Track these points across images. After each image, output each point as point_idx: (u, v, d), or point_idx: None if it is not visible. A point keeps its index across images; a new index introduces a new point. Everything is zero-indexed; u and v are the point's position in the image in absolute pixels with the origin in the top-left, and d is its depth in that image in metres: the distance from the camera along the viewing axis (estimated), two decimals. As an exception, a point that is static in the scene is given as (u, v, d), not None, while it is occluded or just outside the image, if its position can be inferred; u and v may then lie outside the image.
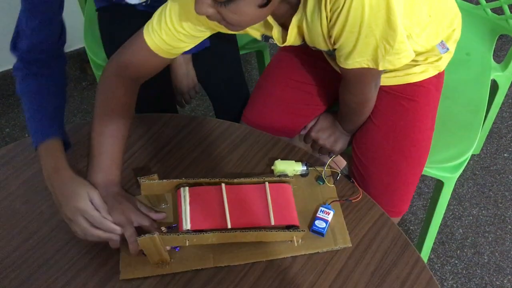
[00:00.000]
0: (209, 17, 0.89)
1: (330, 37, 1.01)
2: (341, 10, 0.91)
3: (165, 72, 1.49)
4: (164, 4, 1.07)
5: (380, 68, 1.03)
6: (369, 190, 1.22)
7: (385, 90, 1.22)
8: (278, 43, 1.10)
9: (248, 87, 1.59)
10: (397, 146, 1.23)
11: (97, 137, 1.05)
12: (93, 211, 0.98)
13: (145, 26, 1.09)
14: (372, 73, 1.08)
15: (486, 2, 1.62)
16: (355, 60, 1.02)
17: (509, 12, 1.57)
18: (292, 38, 1.06)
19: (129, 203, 1.01)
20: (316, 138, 1.34)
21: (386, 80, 1.19)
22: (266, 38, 1.13)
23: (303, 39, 1.08)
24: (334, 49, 1.05)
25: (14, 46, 1.12)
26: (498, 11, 1.61)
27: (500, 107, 1.79)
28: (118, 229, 0.98)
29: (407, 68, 1.22)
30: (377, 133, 1.25)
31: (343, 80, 1.16)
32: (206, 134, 1.21)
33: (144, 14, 1.44)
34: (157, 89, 1.50)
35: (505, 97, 1.74)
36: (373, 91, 1.17)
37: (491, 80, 1.58)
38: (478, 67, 1.56)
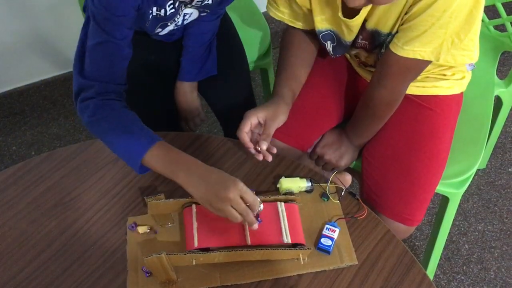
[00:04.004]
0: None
1: (406, 13, 1.03)
2: None
3: (170, 92, 1.50)
4: None
5: (440, 61, 1.06)
6: (386, 198, 1.23)
7: (408, 98, 1.23)
8: (344, 37, 1.15)
9: None
10: (417, 152, 1.25)
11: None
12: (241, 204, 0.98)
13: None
14: (421, 67, 1.11)
15: (489, 20, 1.63)
16: (415, 48, 1.04)
17: (511, 30, 1.58)
18: (361, 18, 1.10)
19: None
20: (321, 154, 1.35)
21: (413, 89, 1.21)
22: (325, 37, 1.21)
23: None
24: (396, 32, 1.08)
25: (81, 72, 1.10)
26: (501, 28, 1.62)
27: (504, 122, 1.79)
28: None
29: (435, 81, 1.27)
30: (397, 139, 1.27)
31: (380, 74, 1.16)
32: (211, 153, 1.22)
33: (157, 43, 1.44)
34: (161, 109, 1.51)
35: (509, 112, 1.74)
36: (404, 90, 1.19)
37: (495, 96, 1.59)
38: (481, 84, 1.56)
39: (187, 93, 1.48)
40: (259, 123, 1.14)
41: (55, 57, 2.27)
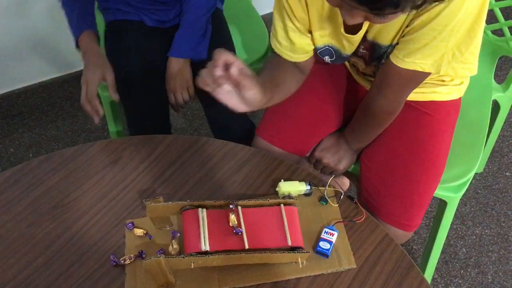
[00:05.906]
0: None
1: (407, 26, 1.03)
2: (439, 3, 0.91)
3: (160, 82, 1.52)
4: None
5: (441, 73, 1.05)
6: (383, 203, 1.23)
7: (407, 103, 1.24)
8: (343, 50, 1.14)
9: (251, 118, 1.58)
10: (416, 157, 1.25)
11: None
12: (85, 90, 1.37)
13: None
14: (421, 78, 1.10)
15: (487, 24, 1.64)
16: (416, 60, 1.04)
17: (509, 34, 1.59)
18: (363, 33, 1.08)
19: None
20: (320, 157, 1.35)
21: (411, 95, 1.21)
22: (323, 53, 1.18)
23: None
24: (396, 44, 1.07)
25: None
26: (499, 32, 1.63)
27: (502, 127, 1.80)
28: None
29: (434, 87, 1.27)
30: (396, 144, 1.27)
31: (380, 84, 1.16)
32: (210, 155, 1.22)
33: (152, 30, 1.49)
34: (151, 99, 1.53)
35: (506, 116, 1.75)
36: (404, 100, 1.19)
37: (493, 100, 1.59)
38: (479, 88, 1.57)
39: (180, 63, 1.50)
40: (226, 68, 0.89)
41: (53, 59, 2.27)
